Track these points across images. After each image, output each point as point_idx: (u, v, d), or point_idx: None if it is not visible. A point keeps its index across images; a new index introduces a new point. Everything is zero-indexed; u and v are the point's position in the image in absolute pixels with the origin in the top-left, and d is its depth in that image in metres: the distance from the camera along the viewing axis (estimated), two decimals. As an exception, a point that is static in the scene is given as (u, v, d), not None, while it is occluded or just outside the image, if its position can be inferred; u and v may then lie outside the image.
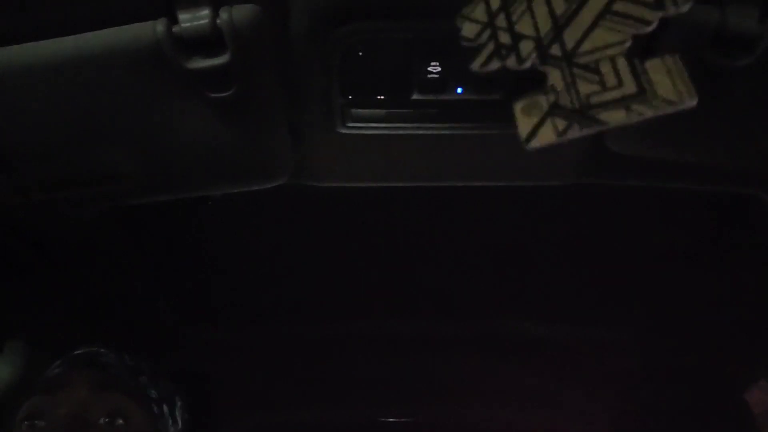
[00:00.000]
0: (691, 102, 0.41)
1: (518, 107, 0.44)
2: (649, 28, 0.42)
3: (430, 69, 0.62)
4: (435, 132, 0.67)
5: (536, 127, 0.43)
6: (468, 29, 0.47)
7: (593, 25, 0.43)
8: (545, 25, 0.44)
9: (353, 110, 0.66)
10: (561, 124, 0.42)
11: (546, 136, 0.43)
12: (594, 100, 0.42)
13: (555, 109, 0.43)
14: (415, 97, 0.64)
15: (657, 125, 0.65)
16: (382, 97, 0.65)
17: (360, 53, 0.61)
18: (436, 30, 0.58)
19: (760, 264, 0.97)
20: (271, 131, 0.66)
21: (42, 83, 0.59)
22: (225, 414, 1.38)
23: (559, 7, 0.44)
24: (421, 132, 0.67)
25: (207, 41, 0.56)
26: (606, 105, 0.41)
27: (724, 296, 1.06)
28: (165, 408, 0.85)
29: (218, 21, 0.55)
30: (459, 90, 0.64)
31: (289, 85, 0.63)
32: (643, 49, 0.56)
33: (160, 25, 0.55)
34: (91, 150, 0.67)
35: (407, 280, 1.12)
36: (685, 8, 0.42)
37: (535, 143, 0.43)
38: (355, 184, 0.78)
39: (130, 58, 0.57)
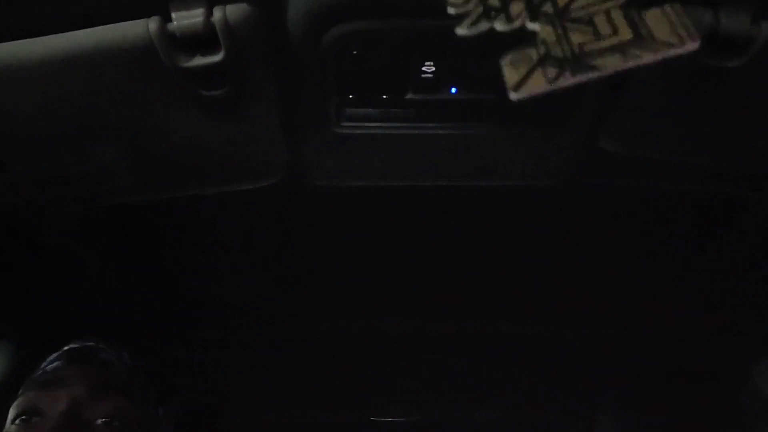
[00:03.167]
0: (693, 45, 0.39)
1: (506, 61, 0.42)
2: None
3: (424, 69, 0.62)
4: (429, 131, 0.67)
5: (525, 77, 0.41)
6: None
7: None
8: None
9: (348, 109, 0.66)
10: (552, 72, 0.40)
11: (536, 84, 0.40)
12: (588, 48, 0.40)
13: (546, 60, 0.41)
14: (409, 96, 0.64)
15: (650, 125, 0.66)
16: (377, 97, 0.65)
17: (355, 52, 0.60)
18: (431, 29, 0.58)
19: (752, 264, 0.98)
20: (264, 130, 0.66)
21: (34, 81, 0.59)
22: (220, 412, 1.38)
23: None
24: (415, 131, 0.67)
25: (201, 39, 0.55)
26: (601, 52, 0.40)
27: (717, 296, 1.07)
28: (160, 410, 0.84)
29: (212, 19, 0.55)
30: (453, 90, 0.64)
31: (284, 84, 0.63)
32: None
33: (153, 23, 0.55)
34: (84, 148, 0.66)
35: (402, 279, 1.12)
36: None
37: (524, 92, 0.41)
38: (349, 183, 0.78)
39: (123, 56, 0.57)
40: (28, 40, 0.57)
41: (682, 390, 1.24)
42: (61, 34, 0.56)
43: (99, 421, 0.76)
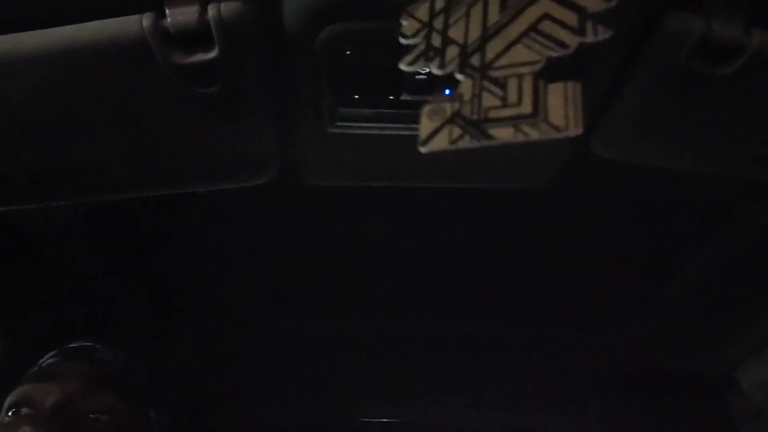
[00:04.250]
0: (576, 131, 0.41)
1: (425, 110, 0.44)
2: (567, 52, 0.42)
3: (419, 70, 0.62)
4: None
5: (434, 131, 0.43)
6: (408, 26, 0.47)
7: (516, 41, 0.43)
8: (474, 34, 0.44)
9: (342, 109, 0.65)
10: (455, 132, 0.43)
11: (439, 142, 0.43)
12: (491, 114, 0.42)
13: (455, 118, 0.43)
14: (404, 97, 0.64)
15: (641, 130, 0.66)
16: (371, 97, 0.65)
17: (349, 52, 0.60)
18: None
19: (739, 269, 0.99)
20: (257, 128, 0.66)
21: (26, 75, 0.59)
22: (208, 412, 1.38)
23: (494, 18, 0.44)
24: (409, 132, 0.67)
25: (195, 36, 0.55)
26: (499, 121, 0.42)
27: (704, 300, 1.08)
28: (152, 412, 0.84)
29: (206, 16, 0.54)
30: (447, 92, 0.64)
31: (278, 83, 0.63)
32: (625, 58, 0.57)
33: (147, 19, 0.55)
34: (76, 143, 0.66)
35: (394, 279, 1.12)
36: (604, 37, 0.42)
37: (429, 147, 0.43)
38: (342, 183, 0.78)
39: (116, 52, 0.56)
40: (20, 33, 0.56)
41: (669, 392, 1.25)
42: (54, 29, 0.56)
43: (90, 416, 0.76)
